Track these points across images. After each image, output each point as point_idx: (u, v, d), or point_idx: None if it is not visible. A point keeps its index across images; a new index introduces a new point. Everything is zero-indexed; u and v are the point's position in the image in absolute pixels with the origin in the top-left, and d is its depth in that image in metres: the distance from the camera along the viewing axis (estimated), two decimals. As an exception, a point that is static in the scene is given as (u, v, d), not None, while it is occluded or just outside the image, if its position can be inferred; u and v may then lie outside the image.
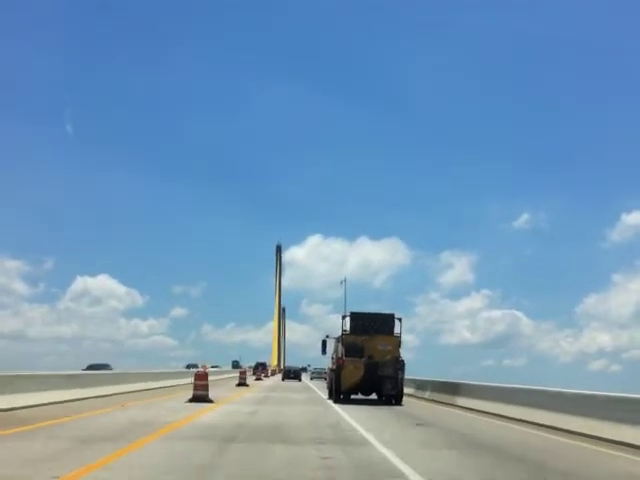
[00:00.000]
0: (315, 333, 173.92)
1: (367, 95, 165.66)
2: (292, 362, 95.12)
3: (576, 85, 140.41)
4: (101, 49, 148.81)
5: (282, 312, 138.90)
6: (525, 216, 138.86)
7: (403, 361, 26.51)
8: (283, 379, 65.72)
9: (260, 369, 70.74)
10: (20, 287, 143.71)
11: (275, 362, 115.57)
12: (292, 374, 65.93)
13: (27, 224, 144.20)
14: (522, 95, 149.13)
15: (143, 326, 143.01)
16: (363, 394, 27.68)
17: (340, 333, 27.31)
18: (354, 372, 25.88)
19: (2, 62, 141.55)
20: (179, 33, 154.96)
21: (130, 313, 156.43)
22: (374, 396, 27.99)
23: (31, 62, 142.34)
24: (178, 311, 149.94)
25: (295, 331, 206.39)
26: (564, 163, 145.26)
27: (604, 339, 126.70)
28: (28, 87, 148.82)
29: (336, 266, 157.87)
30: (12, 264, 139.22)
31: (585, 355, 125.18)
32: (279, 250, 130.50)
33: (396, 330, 26.85)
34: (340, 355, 26.50)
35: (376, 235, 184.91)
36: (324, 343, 30.96)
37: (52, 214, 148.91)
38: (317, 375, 75.23)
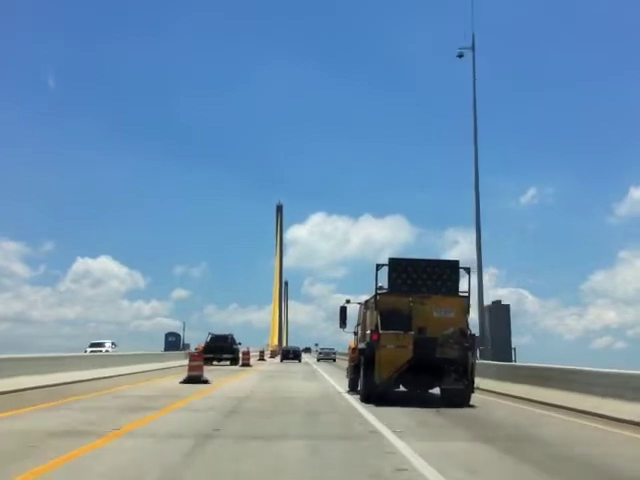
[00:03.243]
0: (319, 313, 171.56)
1: (373, 73, 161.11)
2: (296, 343, 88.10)
3: (584, 60, 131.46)
4: (89, 22, 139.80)
5: (284, 286, 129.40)
6: (532, 192, 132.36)
7: (474, 336, 16.65)
8: (282, 360, 60.96)
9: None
10: (21, 269, 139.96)
11: (275, 342, 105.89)
12: (291, 354, 62.26)
13: (25, 206, 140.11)
14: (529, 72, 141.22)
15: (146, 308, 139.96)
16: (410, 388, 17.85)
17: (372, 294, 17.47)
18: (396, 354, 16.02)
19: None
20: (174, 5, 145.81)
21: (132, 295, 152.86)
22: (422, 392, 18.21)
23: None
24: (180, 292, 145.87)
25: (298, 311, 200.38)
26: (572, 138, 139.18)
27: (609, 316, 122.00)
28: (9, 60, 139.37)
29: (339, 244, 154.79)
30: (12, 246, 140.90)
31: (590, 332, 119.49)
32: (280, 210, 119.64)
33: (463, 287, 17.02)
34: (374, 327, 16.59)
35: (380, 213, 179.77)
36: (343, 311, 21.06)
37: (50, 196, 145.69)
38: (325, 356, 66.80)
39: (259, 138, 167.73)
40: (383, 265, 17.04)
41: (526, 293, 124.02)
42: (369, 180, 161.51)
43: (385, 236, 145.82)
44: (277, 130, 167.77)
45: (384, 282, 17.03)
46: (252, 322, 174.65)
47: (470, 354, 16.27)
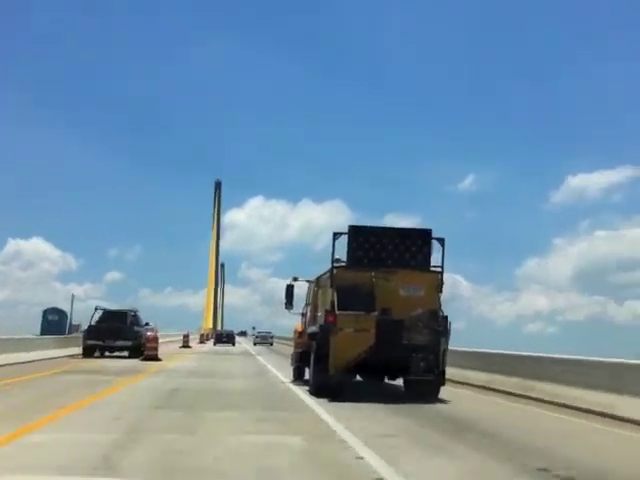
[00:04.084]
0: (255, 297, 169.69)
1: (313, 54, 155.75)
2: (231, 326, 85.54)
3: (524, 50, 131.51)
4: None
5: (221, 269, 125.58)
6: (470, 178, 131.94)
7: (447, 318, 14.11)
8: (215, 344, 59.22)
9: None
10: None
11: (210, 325, 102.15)
12: (225, 338, 61.00)
13: None
14: (472, 60, 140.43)
15: (79, 290, 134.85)
16: (371, 378, 15.26)
17: (327, 269, 14.78)
18: (356, 339, 13.35)
19: None
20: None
21: (65, 277, 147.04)
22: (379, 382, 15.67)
23: None
24: (114, 275, 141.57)
25: (234, 295, 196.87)
26: (512, 126, 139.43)
27: (541, 302, 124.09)
28: None
29: (278, 229, 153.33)
30: None
31: (522, 318, 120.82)
32: (218, 188, 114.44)
33: (435, 261, 14.47)
34: (329, 307, 13.86)
35: (319, 198, 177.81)
36: (290, 290, 18.32)
37: None
38: (262, 340, 64.40)
39: (197, 119, 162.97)
40: (341, 234, 14.33)
41: (460, 278, 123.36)
42: (309, 164, 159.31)
43: (324, 221, 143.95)
44: (216, 111, 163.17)
45: (342, 254, 14.35)
46: (188, 305, 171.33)
47: (443, 340, 13.74)
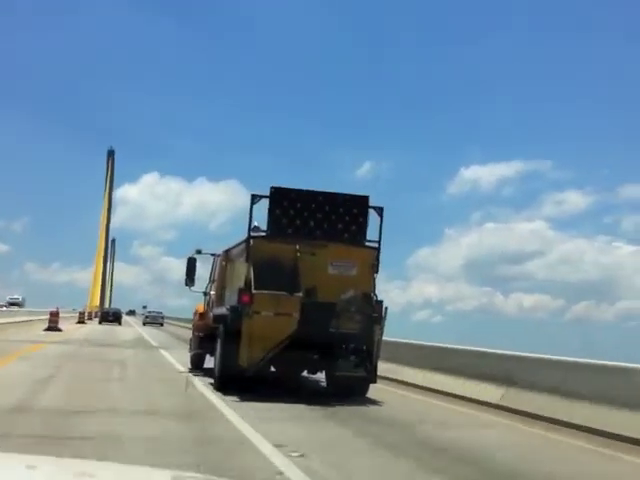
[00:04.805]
0: (145, 275, 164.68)
1: (212, 28, 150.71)
2: (120, 305, 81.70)
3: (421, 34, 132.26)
4: None
5: (111, 245, 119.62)
6: (367, 166, 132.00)
7: (382, 303, 11.86)
8: (100, 322, 57.51)
9: None
10: None
11: (96, 303, 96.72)
12: (111, 317, 59.00)
13: None
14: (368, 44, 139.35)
15: None
16: (284, 371, 12.86)
17: (241, 239, 12.30)
18: (275, 325, 10.94)
19: None
20: None
21: None
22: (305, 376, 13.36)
23: None
24: None
25: (124, 272, 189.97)
26: (410, 115, 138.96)
27: (430, 290, 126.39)
28: None
29: (172, 207, 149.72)
30: None
31: (411, 305, 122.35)
32: (111, 156, 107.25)
33: (370, 235, 12.19)
34: (243, 285, 11.33)
35: (215, 177, 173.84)
36: (192, 264, 15.70)
37: None
38: (152, 320, 61.35)
39: (86, 84, 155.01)
40: (262, 197, 11.83)
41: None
42: (205, 141, 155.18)
43: (220, 200, 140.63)
44: (110, 78, 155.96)
45: (262, 222, 11.88)
46: (77, 282, 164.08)
47: (377, 329, 11.52)
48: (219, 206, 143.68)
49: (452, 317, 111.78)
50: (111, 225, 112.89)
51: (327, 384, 12.45)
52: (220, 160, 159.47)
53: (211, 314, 14.23)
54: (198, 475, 3.71)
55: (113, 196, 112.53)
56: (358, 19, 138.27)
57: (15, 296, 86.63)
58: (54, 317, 32.88)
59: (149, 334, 37.53)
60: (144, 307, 73.52)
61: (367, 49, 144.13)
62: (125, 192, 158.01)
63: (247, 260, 11.45)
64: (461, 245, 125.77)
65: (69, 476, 2.34)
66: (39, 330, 30.57)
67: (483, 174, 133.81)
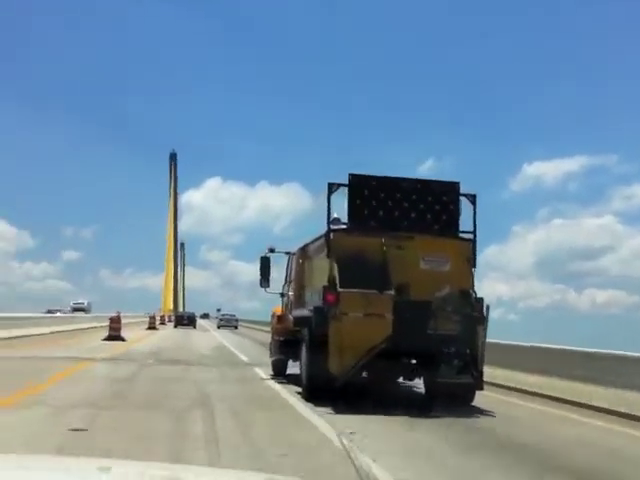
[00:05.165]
0: (216, 279, 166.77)
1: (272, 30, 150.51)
2: (193, 309, 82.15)
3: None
4: None
5: (180, 248, 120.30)
6: (430, 162, 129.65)
7: (482, 300, 10.57)
8: (175, 326, 56.82)
9: None
10: None
11: (169, 307, 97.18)
12: (186, 320, 58.38)
13: None
14: (435, 43, 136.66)
15: (36, 269, 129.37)
16: (378, 379, 11.68)
17: (318, 234, 11.21)
18: (367, 327, 9.80)
19: None
20: None
21: (21, 255, 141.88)
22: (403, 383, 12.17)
23: None
24: (71, 254, 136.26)
25: (195, 277, 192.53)
26: (472, 111, 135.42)
27: (502, 289, 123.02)
28: None
29: (236, 211, 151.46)
30: None
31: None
32: (173, 159, 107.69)
33: (463, 225, 10.93)
34: (327, 283, 10.19)
35: (276, 180, 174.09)
36: (265, 263, 14.70)
37: None
38: (226, 323, 61.19)
39: (152, 98, 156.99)
40: (340, 185, 10.70)
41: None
42: (264, 144, 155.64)
43: (282, 203, 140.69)
44: (170, 88, 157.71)
45: (342, 214, 10.75)
46: (149, 287, 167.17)
47: (480, 330, 10.25)
48: (282, 209, 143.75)
49: (525, 315, 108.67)
50: (178, 231, 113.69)
51: (426, 391, 11.23)
52: (281, 163, 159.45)
53: (290, 317, 13.20)
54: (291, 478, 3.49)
55: (179, 201, 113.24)
56: (422, 16, 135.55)
57: (80, 301, 79.16)
58: (115, 324, 26.56)
59: (230, 341, 31.95)
60: (218, 310, 73.58)
61: (430, 47, 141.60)
62: (190, 197, 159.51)
63: (328, 256, 10.34)
64: (529, 242, 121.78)
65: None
66: (98, 339, 25.24)
67: (547, 170, 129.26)
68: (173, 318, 67.78)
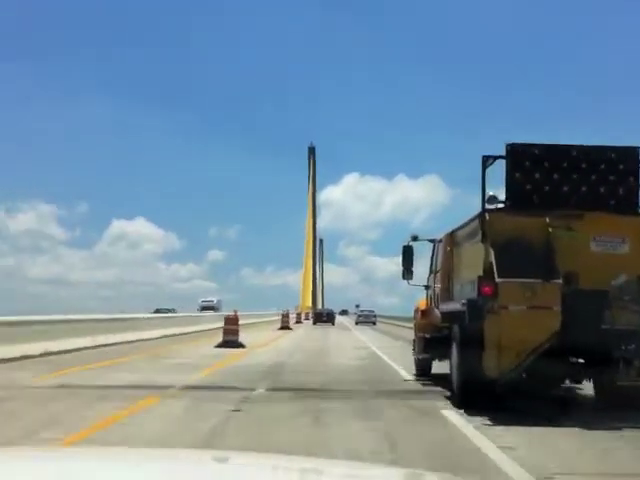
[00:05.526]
0: (354, 275, 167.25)
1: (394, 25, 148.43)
2: (331, 305, 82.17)
3: None
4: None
5: (319, 244, 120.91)
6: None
7: (671, 289, 8.83)
8: (314, 323, 57.00)
9: None
10: (56, 232, 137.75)
11: (308, 303, 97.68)
12: (325, 317, 58.25)
13: (54, 168, 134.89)
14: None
15: (183, 270, 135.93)
16: (546, 381, 10.07)
17: (471, 216, 9.83)
18: (531, 322, 8.32)
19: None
20: None
21: (168, 257, 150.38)
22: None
23: None
24: (216, 254, 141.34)
25: (333, 273, 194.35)
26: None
27: None
28: None
29: (373, 206, 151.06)
30: (46, 208, 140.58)
31: None
32: (312, 153, 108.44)
33: (645, 198, 9.23)
34: (482, 272, 8.79)
35: (414, 173, 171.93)
36: (408, 253, 13.50)
37: (79, 158, 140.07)
38: (364, 319, 60.56)
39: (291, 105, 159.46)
40: (496, 157, 9.28)
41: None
42: (403, 138, 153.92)
43: (420, 197, 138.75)
44: (308, 94, 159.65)
45: (497, 191, 9.34)
46: (289, 284, 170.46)
47: (666, 323, 8.54)
48: (420, 202, 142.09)
49: None
50: (317, 227, 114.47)
51: (597, 396, 9.61)
52: (418, 154, 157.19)
53: (437, 311, 11.92)
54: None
55: (317, 199, 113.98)
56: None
57: (209, 299, 73.99)
58: (231, 325, 21.19)
59: (377, 343, 25.61)
60: (357, 306, 73.24)
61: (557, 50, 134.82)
62: (328, 194, 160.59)
63: (483, 240, 8.95)
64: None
65: (294, 473, 2.24)
66: (210, 345, 20.68)
67: None
68: (311, 315, 67.81)
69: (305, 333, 37.50)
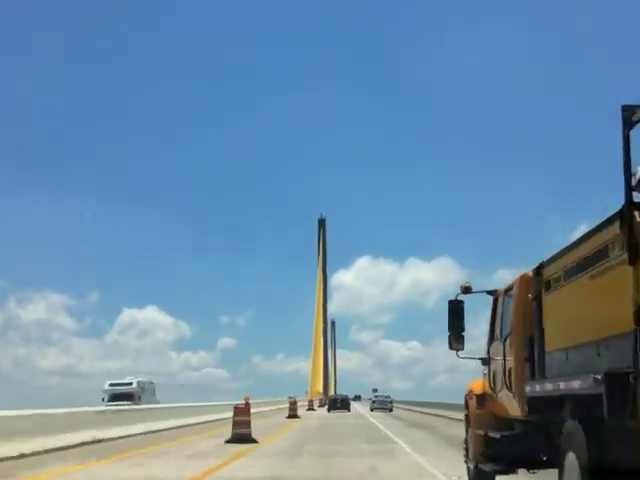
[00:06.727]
0: (367, 360, 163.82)
1: (409, 108, 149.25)
2: (343, 391, 77.28)
3: None
4: None
5: (331, 326, 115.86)
6: (583, 228, 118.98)
7: None
8: (329, 410, 52.45)
9: None
10: (66, 322, 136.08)
11: (318, 389, 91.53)
12: (339, 404, 53.72)
13: (64, 258, 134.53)
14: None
15: (194, 358, 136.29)
16: None
17: (606, 218, 5.55)
18: None
19: None
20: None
21: (179, 345, 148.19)
22: None
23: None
24: (227, 341, 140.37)
25: (345, 358, 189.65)
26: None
27: None
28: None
29: (385, 289, 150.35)
30: (56, 298, 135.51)
31: None
32: (322, 225, 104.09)
33: None
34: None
35: (426, 255, 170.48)
36: (456, 310, 9.24)
37: (89, 248, 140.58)
38: (380, 405, 56.22)
39: (297, 171, 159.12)
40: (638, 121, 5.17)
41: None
42: (414, 221, 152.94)
43: (433, 279, 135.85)
44: (315, 171, 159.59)
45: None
46: (301, 370, 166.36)
47: None
48: (433, 284, 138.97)
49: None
50: (328, 311, 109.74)
51: None
52: (429, 238, 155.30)
53: (509, 395, 7.67)
54: None
55: (328, 283, 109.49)
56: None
57: (126, 380, 46.87)
58: (241, 417, 18.70)
59: (407, 439, 20.21)
60: (374, 390, 69.06)
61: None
62: (339, 278, 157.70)
63: (631, 257, 4.77)
64: None
65: None
66: (219, 440, 18.33)
67: None
68: (325, 401, 63.44)
69: (314, 423, 32.53)
